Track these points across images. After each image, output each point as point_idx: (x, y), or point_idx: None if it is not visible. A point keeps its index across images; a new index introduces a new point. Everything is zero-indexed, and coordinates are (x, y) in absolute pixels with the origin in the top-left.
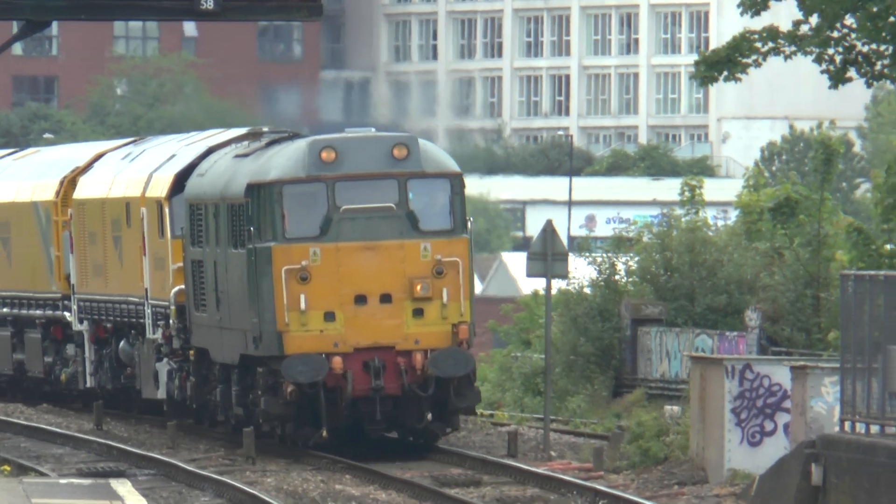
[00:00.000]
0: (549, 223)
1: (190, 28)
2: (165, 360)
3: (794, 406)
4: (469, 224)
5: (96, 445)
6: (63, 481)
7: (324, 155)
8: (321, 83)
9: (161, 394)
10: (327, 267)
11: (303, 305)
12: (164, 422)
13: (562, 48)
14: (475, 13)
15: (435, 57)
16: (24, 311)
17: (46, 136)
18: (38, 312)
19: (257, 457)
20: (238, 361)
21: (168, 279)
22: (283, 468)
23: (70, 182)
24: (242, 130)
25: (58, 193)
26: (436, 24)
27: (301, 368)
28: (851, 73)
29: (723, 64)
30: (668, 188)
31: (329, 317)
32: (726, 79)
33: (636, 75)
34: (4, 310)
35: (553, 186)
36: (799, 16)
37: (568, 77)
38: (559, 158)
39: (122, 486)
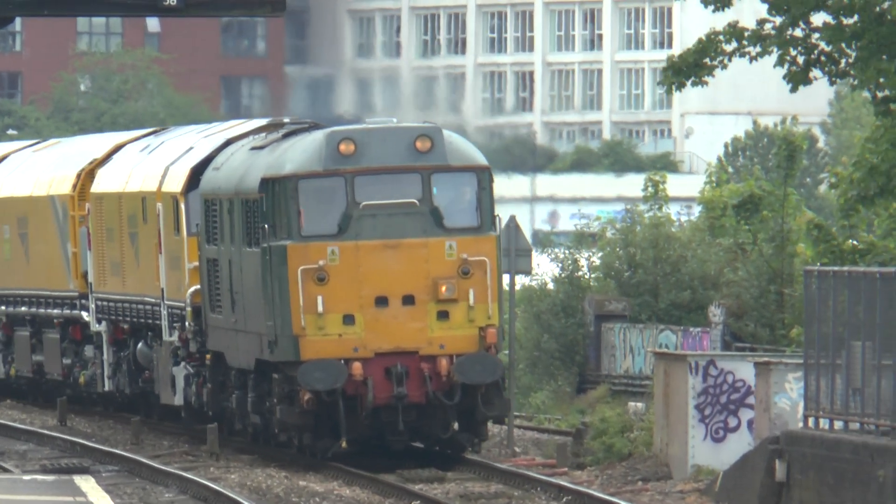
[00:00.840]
0: (512, 219)
1: (153, 24)
2: (183, 364)
3: (758, 402)
4: (497, 221)
5: (60, 441)
6: (27, 478)
7: (342, 147)
8: (286, 78)
9: (178, 400)
10: (346, 267)
11: (320, 308)
12: (128, 418)
13: (525, 44)
14: (438, 9)
15: (398, 54)
16: (42, 311)
17: (10, 132)
18: (56, 312)
19: (221, 453)
20: (254, 367)
21: (184, 279)
22: (247, 464)
23: (87, 175)
24: (263, 121)
25: (74, 187)
26: (399, 20)
27: (318, 375)
28: (815, 73)
29: (690, 69)
30: (632, 184)
31: (348, 320)
32: (694, 83)
33: (600, 71)
34: (23, 309)
35: (516, 182)
36: (762, 13)
37: (532, 73)
38: (522, 154)
39: (86, 483)
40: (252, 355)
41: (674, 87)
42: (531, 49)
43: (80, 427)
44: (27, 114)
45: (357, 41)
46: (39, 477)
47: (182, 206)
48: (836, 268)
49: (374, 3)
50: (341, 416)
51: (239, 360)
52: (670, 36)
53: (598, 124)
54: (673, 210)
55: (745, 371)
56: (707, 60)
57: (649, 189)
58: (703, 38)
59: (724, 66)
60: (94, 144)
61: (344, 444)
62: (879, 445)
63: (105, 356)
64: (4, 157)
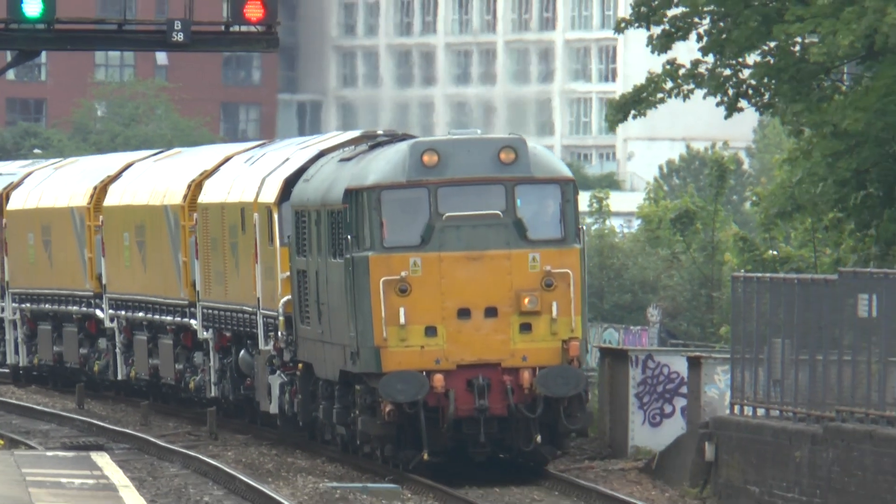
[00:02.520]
0: None
1: (162, 57)
2: (278, 372)
3: (690, 392)
4: (582, 233)
5: (78, 422)
6: (49, 454)
7: (426, 158)
8: (278, 104)
9: (273, 408)
10: (429, 278)
11: (402, 319)
12: (137, 402)
13: (488, 78)
14: (411, 46)
15: (378, 84)
16: (157, 317)
17: (36, 151)
18: (169, 318)
19: (219, 434)
20: (338, 378)
21: (277, 289)
22: (242, 444)
23: (197, 186)
24: (356, 133)
25: (185, 197)
26: (377, 56)
27: (400, 387)
28: (743, 103)
29: (629, 105)
30: (581, 200)
31: (430, 331)
32: (634, 116)
33: (551, 101)
34: (140, 314)
35: None
36: (697, 53)
37: (493, 103)
38: None
39: (101, 458)
40: (337, 366)
41: (616, 124)
42: (493, 82)
43: (96, 410)
44: (51, 136)
45: (341, 73)
46: (60, 453)
47: (275, 216)
48: (759, 274)
49: (356, 40)
50: (423, 428)
51: (325, 371)
52: (614, 70)
53: (551, 148)
54: (616, 223)
55: (679, 364)
56: (646, 95)
57: (594, 204)
58: (646, 78)
59: (664, 101)
60: (207, 156)
61: (426, 457)
62: (796, 430)
63: (212, 363)
64: (129, 166)
